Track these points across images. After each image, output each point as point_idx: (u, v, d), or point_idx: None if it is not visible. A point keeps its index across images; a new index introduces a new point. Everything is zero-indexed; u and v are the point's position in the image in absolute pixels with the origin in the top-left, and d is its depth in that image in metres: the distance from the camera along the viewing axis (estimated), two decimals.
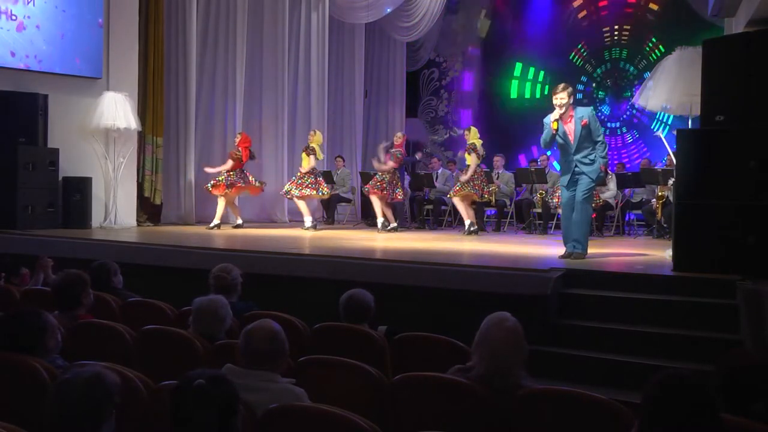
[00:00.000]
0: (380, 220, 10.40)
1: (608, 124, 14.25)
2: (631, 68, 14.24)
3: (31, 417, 2.54)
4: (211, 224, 10.23)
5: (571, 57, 14.75)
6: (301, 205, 10.59)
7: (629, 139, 14.29)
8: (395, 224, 10.39)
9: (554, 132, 6.54)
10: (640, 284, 5.55)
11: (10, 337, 3.12)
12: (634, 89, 13.23)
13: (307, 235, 9.78)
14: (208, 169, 10.56)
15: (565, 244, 6.74)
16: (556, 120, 6.52)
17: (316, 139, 10.65)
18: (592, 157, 6.54)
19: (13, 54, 9.08)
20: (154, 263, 7.06)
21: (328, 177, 11.64)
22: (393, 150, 10.47)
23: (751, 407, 2.42)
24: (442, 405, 2.92)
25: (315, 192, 10.54)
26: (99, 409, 2.26)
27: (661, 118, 13.29)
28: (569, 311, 5.41)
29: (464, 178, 9.98)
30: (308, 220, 10.48)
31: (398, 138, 10.64)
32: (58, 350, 3.29)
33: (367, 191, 10.56)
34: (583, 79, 14.62)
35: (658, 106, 7.78)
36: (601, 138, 6.62)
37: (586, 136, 6.53)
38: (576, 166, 6.57)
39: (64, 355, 3.34)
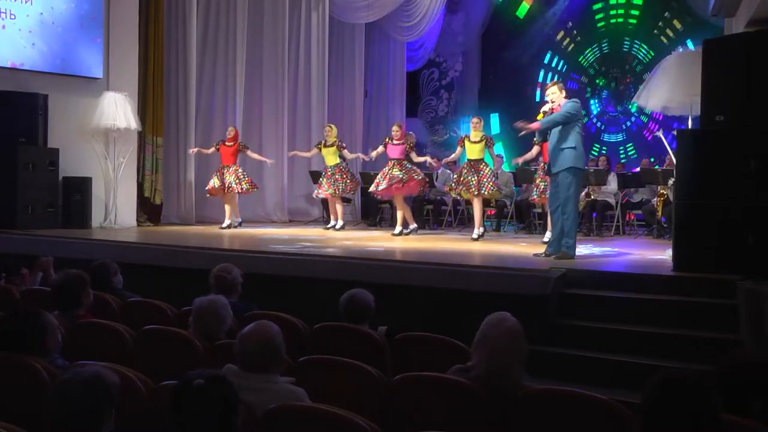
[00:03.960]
0: (412, 226, 9.76)
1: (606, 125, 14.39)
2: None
3: (31, 417, 2.54)
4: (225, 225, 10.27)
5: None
6: (339, 206, 10.36)
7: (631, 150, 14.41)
8: (414, 225, 9.87)
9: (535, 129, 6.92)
10: (640, 284, 5.55)
11: (10, 337, 3.12)
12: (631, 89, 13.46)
13: (307, 235, 9.76)
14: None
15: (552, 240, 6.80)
16: (543, 112, 6.83)
17: (334, 132, 10.30)
18: (563, 145, 6.56)
19: (12, 54, 9.07)
20: (154, 263, 7.06)
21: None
22: (395, 142, 9.78)
23: (751, 406, 2.42)
24: (442, 405, 2.92)
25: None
26: (99, 409, 2.26)
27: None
28: (569, 311, 5.41)
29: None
30: (340, 223, 10.28)
31: (396, 131, 9.79)
32: (58, 350, 3.29)
33: (381, 193, 9.88)
34: (591, 71, 14.84)
35: (658, 106, 7.78)
36: (561, 118, 6.57)
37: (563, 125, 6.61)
38: (549, 153, 6.76)
39: (64, 355, 3.34)
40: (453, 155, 9.78)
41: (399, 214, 9.82)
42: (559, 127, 6.58)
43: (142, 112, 10.32)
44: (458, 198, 10.47)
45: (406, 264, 6.34)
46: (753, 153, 5.52)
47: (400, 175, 9.52)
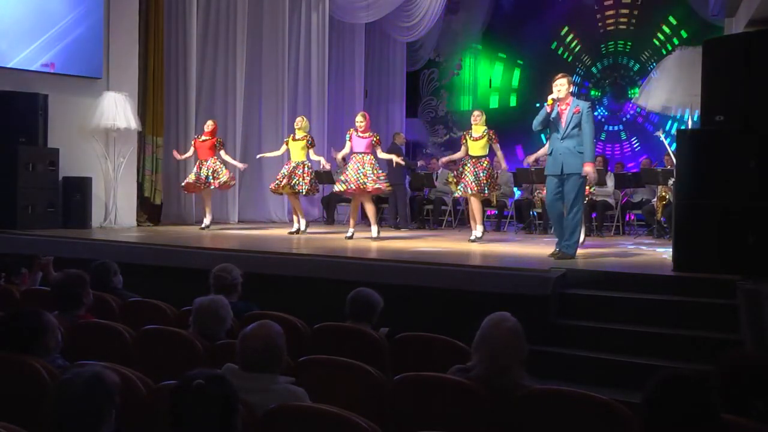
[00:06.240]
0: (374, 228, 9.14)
1: (607, 128, 14.22)
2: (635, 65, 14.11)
3: (31, 417, 2.55)
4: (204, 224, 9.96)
5: (554, 47, 14.59)
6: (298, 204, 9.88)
7: (636, 144, 13.90)
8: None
9: (548, 112, 6.56)
10: (640, 284, 5.54)
11: (10, 337, 3.13)
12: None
13: (307, 235, 9.73)
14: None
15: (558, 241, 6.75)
16: (553, 99, 6.55)
17: (305, 126, 9.65)
18: (580, 149, 6.54)
19: (13, 53, 9.07)
20: (154, 263, 7.06)
21: (329, 177, 11.55)
22: (361, 134, 8.82)
23: (751, 406, 2.42)
24: (442, 405, 2.92)
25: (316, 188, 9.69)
26: (99, 409, 2.26)
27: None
28: (569, 311, 5.40)
29: (503, 167, 9.08)
30: (303, 222, 9.75)
31: (360, 122, 8.82)
32: (58, 350, 3.29)
33: (349, 193, 9.04)
34: (576, 79, 14.18)
35: (658, 106, 7.80)
36: (587, 132, 6.52)
37: (576, 125, 6.55)
38: (561, 154, 6.57)
39: (64, 355, 3.34)
40: (456, 154, 9.13)
41: (371, 218, 9.11)
42: (577, 129, 6.55)
43: (142, 112, 10.33)
44: (457, 196, 9.48)
45: (405, 264, 6.33)
46: (753, 153, 5.52)
47: (366, 183, 8.62)
